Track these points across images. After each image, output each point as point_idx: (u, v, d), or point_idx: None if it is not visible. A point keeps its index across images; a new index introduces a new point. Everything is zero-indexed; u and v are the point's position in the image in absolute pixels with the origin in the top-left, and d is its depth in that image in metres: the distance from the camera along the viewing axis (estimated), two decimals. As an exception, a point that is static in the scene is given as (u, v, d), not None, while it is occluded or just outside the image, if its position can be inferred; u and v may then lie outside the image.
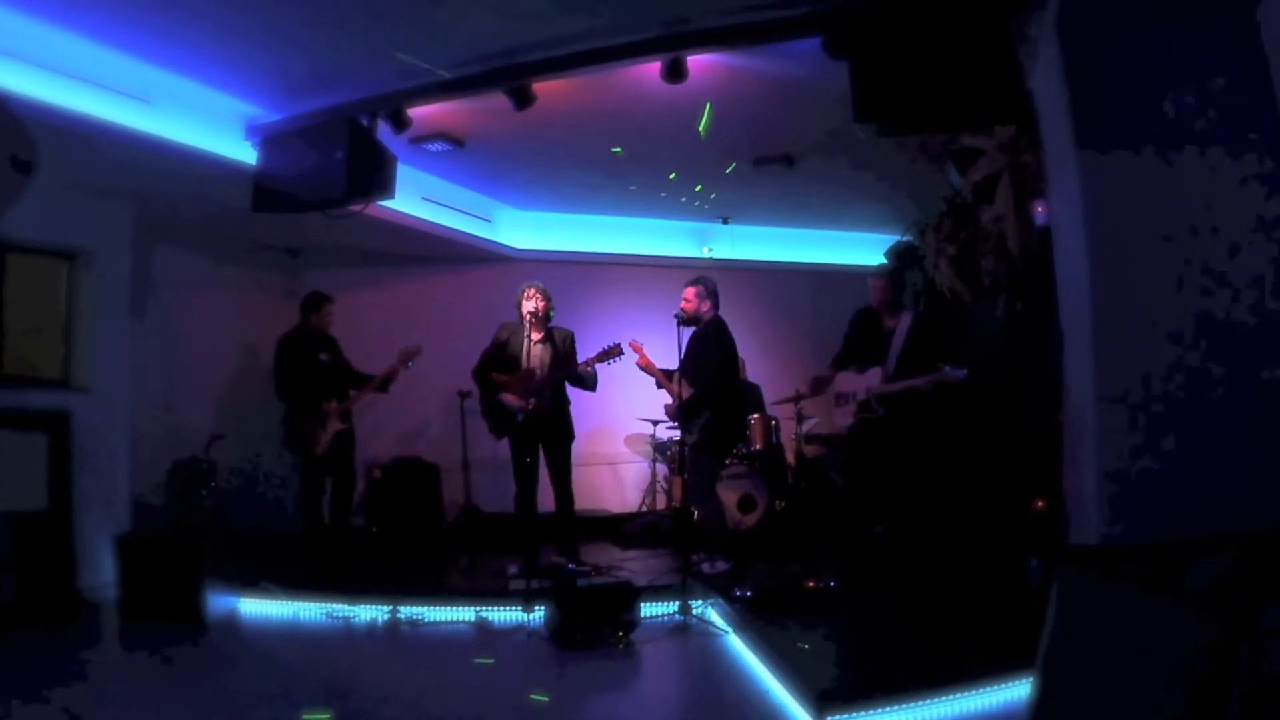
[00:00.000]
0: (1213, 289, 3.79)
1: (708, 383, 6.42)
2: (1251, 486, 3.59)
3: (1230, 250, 3.79)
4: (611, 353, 6.41)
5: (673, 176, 7.83)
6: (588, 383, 6.63)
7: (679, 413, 6.61)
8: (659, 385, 7.02)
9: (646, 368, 6.90)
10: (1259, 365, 3.70)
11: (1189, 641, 1.92)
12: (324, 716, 3.96)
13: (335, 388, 7.15)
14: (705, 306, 6.63)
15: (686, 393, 6.44)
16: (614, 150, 7.02)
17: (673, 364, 6.44)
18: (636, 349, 6.93)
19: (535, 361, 6.57)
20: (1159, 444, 3.79)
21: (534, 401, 6.47)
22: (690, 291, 6.63)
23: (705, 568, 6.40)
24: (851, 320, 6.74)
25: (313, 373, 7.09)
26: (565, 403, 6.74)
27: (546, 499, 6.73)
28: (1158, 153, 3.89)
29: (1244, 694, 1.71)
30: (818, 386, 6.67)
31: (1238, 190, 3.81)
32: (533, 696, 4.09)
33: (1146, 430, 3.80)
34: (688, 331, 6.41)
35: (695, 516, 7.23)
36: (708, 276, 6.83)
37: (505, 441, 6.68)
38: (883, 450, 6.26)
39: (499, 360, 6.67)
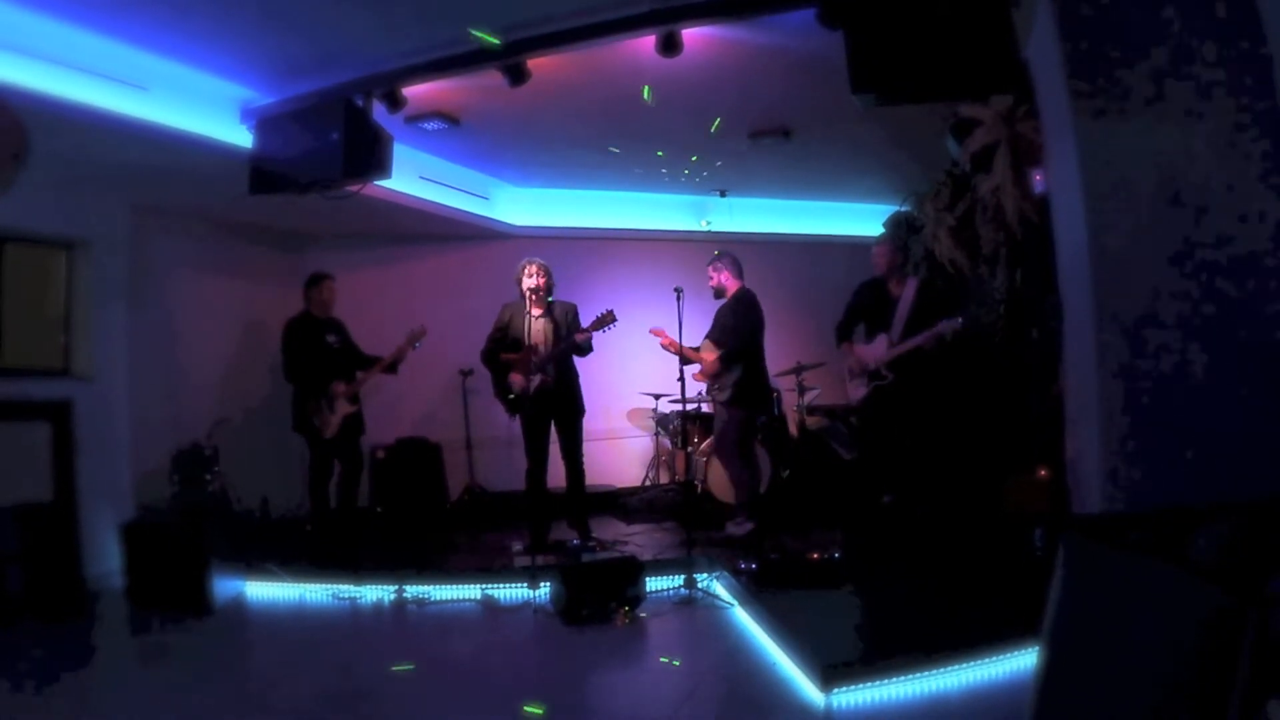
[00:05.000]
0: (1213, 255, 3.78)
1: (738, 344, 6.71)
2: (1256, 455, 3.60)
3: (1230, 216, 3.78)
4: (605, 320, 6.45)
5: (687, 164, 8.04)
6: (583, 350, 6.65)
7: (713, 369, 6.82)
8: (684, 361, 6.97)
9: (673, 349, 6.91)
10: (1261, 332, 3.70)
11: (1197, 608, 1.94)
12: None
13: (344, 370, 7.15)
14: (725, 277, 6.98)
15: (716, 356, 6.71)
16: (611, 149, 7.25)
17: (674, 336, 6.56)
18: (658, 334, 7.03)
19: (537, 338, 6.61)
20: (1161, 412, 3.80)
21: (539, 378, 6.50)
22: (710, 269, 7.05)
23: (730, 528, 6.49)
24: (856, 291, 6.84)
25: (321, 356, 7.08)
26: (574, 377, 6.76)
27: (554, 476, 6.77)
28: (1155, 119, 3.88)
29: (1252, 660, 1.73)
30: (858, 369, 6.71)
31: (1236, 155, 3.79)
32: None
33: (1148, 398, 3.81)
34: (687, 304, 6.43)
35: (699, 489, 7.27)
36: (726, 251, 7.18)
37: (514, 420, 6.72)
38: (893, 417, 6.36)
39: (504, 342, 6.70)
